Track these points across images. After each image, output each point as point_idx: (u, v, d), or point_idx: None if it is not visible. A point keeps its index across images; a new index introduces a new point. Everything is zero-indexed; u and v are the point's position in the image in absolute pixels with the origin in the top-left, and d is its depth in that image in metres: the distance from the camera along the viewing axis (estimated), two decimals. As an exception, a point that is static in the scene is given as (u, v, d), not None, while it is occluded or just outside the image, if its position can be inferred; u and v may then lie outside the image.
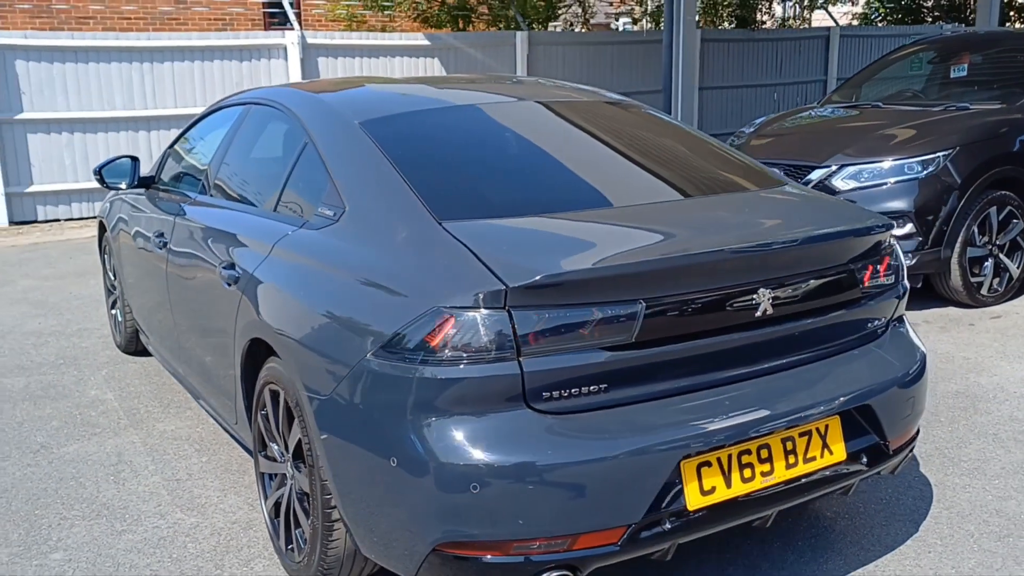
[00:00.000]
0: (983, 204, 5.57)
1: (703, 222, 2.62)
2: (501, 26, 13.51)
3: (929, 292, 5.78)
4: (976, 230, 5.57)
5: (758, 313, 2.38)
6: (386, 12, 12.10)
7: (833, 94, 7.29)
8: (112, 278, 5.17)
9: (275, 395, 2.77)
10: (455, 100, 3.34)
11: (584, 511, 2.17)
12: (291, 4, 11.43)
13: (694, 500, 2.28)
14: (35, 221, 9.73)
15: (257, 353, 2.90)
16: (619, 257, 2.26)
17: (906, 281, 2.91)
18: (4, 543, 3.13)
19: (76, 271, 7.42)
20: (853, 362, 2.63)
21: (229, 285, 3.03)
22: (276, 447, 2.86)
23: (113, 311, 5.26)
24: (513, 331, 2.14)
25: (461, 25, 13.18)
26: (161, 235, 3.92)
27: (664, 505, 2.25)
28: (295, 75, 10.58)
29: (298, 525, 2.74)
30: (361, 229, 2.59)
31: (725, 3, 15.38)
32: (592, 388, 2.22)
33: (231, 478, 3.60)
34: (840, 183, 5.59)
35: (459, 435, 2.15)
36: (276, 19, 14.90)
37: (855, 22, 18.87)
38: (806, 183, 5.68)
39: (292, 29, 10.68)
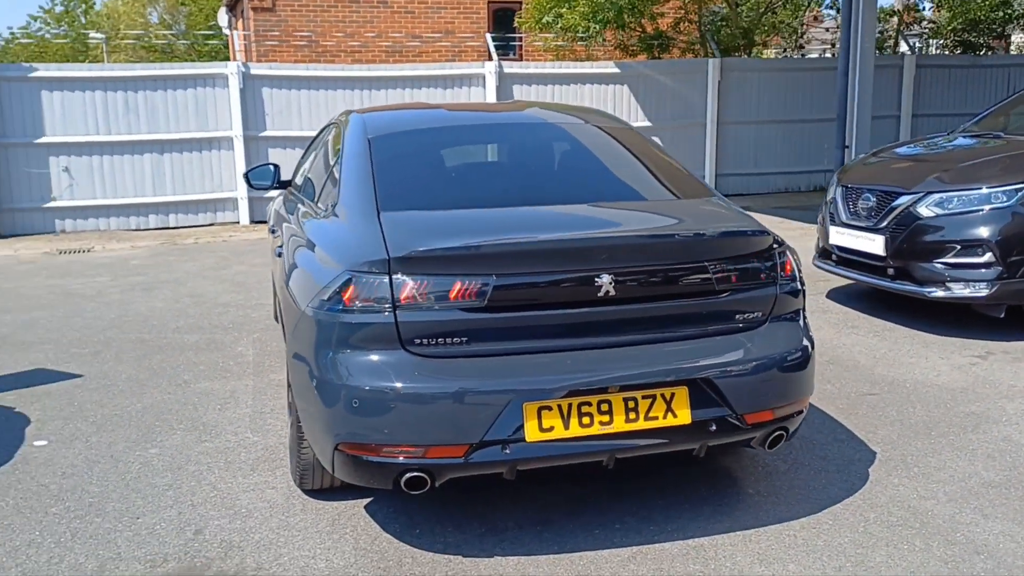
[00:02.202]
0: (1080, 236, 5.44)
1: (573, 221, 3.23)
2: (699, 52, 13.93)
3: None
4: (1071, 263, 5.45)
5: (600, 294, 2.95)
6: (582, 43, 12.96)
7: (972, 123, 7.19)
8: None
9: (290, 340, 3.70)
10: (453, 122, 4.13)
11: (433, 429, 2.88)
12: (493, 38, 12.60)
13: (532, 435, 2.90)
14: (270, 222, 11.58)
15: (287, 309, 3.83)
16: (474, 240, 2.95)
17: (796, 284, 3.31)
18: (124, 439, 4.30)
19: (279, 262, 8.93)
20: (709, 344, 3.10)
21: (278, 256, 4.02)
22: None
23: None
24: (392, 291, 2.90)
25: (657, 53, 13.75)
26: (275, 225, 5.03)
27: (506, 435, 2.89)
28: (491, 101, 11.73)
29: (295, 439, 3.64)
30: (340, 216, 3.46)
31: (950, 27, 14.73)
32: (454, 339, 2.92)
33: (299, 416, 4.59)
34: (924, 210, 5.69)
35: (351, 365, 2.94)
36: (500, 50, 16.27)
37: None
38: (892, 208, 5.84)
39: (491, 60, 11.86)
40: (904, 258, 5.76)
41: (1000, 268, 5.42)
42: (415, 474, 2.92)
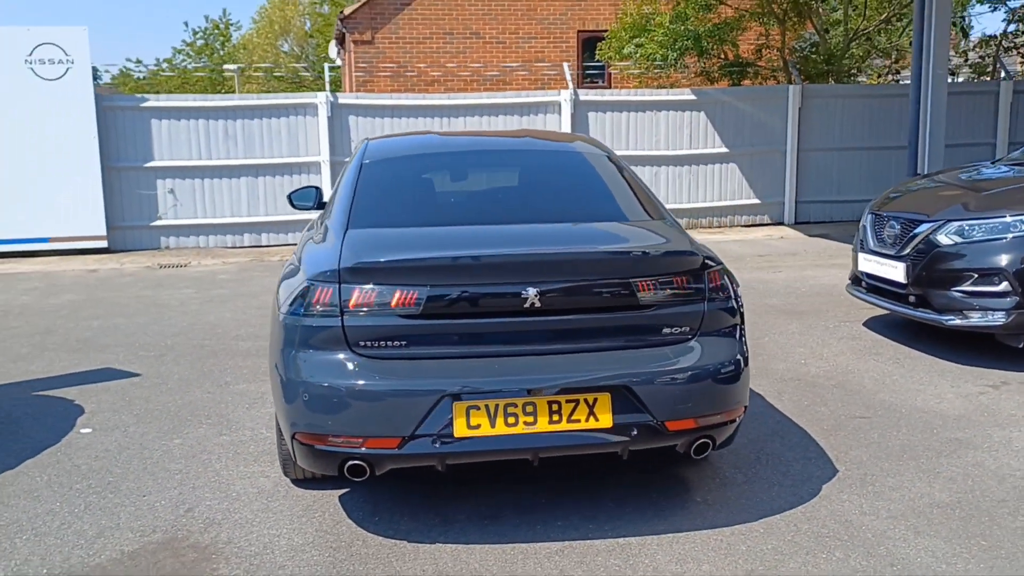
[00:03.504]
0: (1104, 265, 5.32)
1: (514, 239, 3.52)
2: (781, 79, 13.89)
3: (1051, 355, 5.60)
4: (1095, 293, 5.34)
5: (526, 306, 3.24)
6: (659, 70, 13.16)
7: (1019, 152, 7.05)
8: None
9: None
10: (443, 148, 4.50)
11: (372, 422, 3.22)
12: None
13: (460, 431, 3.21)
14: (354, 242, 12.24)
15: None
16: (412, 254, 3.30)
17: (731, 303, 3.50)
18: (156, 431, 4.82)
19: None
20: (633, 355, 3.33)
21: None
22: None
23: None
24: (340, 298, 3.27)
25: (737, 80, 13.79)
26: (304, 242, 5.50)
27: (436, 430, 3.21)
28: (566, 128, 12.10)
29: (285, 433, 4.05)
30: (322, 233, 3.86)
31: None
32: (394, 342, 3.27)
33: (314, 416, 5.01)
34: (943, 238, 5.69)
35: (305, 364, 3.32)
36: (590, 78, 16.64)
37: None
38: (913, 236, 5.86)
39: (567, 88, 12.22)
40: (923, 286, 5.76)
41: (1017, 298, 5.37)
42: (356, 462, 3.27)
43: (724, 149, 12.75)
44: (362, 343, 3.28)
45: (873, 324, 6.87)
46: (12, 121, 11.03)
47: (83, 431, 4.82)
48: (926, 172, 9.85)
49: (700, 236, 12.08)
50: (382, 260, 3.29)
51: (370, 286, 3.26)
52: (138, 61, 50.14)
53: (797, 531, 3.51)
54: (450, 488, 3.89)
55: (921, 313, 5.84)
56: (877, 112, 12.95)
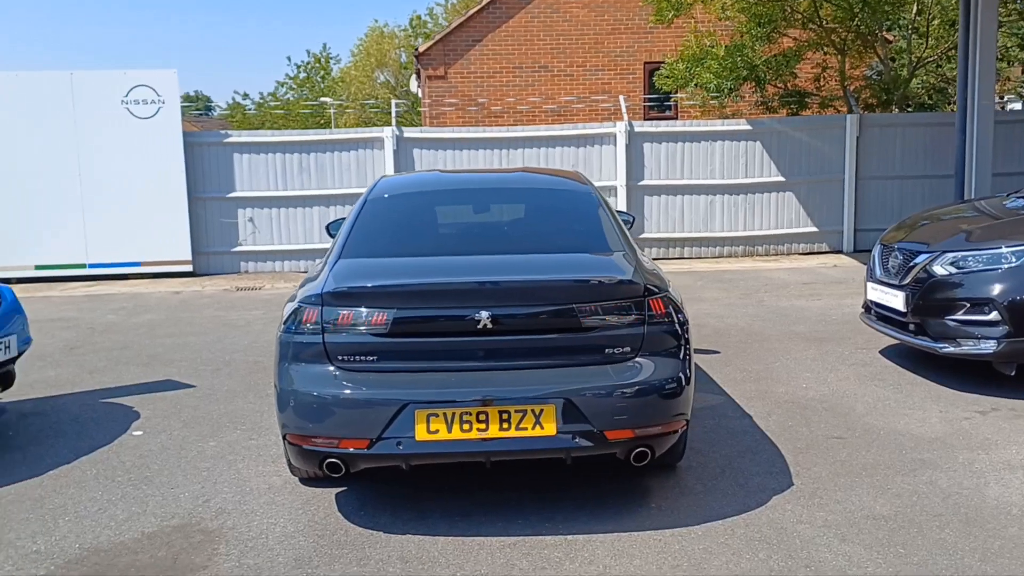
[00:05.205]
0: (1096, 296, 5.44)
1: (477, 268, 3.99)
2: (841, 108, 13.96)
3: (1048, 383, 5.72)
4: (1086, 322, 5.46)
5: (479, 327, 3.71)
6: (714, 100, 13.44)
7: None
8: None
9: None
10: (441, 185, 5.02)
11: (344, 425, 3.73)
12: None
13: (421, 435, 3.69)
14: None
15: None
16: (382, 281, 3.82)
17: (673, 326, 3.88)
18: (196, 435, 5.45)
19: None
20: (577, 372, 3.75)
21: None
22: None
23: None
24: (322, 318, 3.81)
25: (795, 110, 13.94)
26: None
27: (400, 433, 3.69)
28: (620, 159, 12.51)
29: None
30: (323, 262, 4.42)
31: None
32: (366, 357, 3.78)
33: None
34: (939, 268, 5.89)
35: (294, 375, 3.86)
36: (656, 108, 16.98)
37: None
38: (913, 266, 6.07)
39: (622, 120, 12.64)
40: (921, 314, 5.95)
41: (1007, 327, 5.53)
42: (333, 460, 3.79)
43: (780, 178, 12.92)
44: (340, 357, 3.81)
45: (888, 352, 7.04)
46: (109, 156, 12.12)
47: (135, 433, 5.50)
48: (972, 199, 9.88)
49: (753, 264, 12.40)
50: (356, 286, 3.82)
51: (347, 308, 3.79)
52: (245, 95, 52.82)
53: (732, 535, 3.84)
54: (432, 490, 4.36)
55: (919, 340, 6.04)
56: (936, 140, 12.90)
